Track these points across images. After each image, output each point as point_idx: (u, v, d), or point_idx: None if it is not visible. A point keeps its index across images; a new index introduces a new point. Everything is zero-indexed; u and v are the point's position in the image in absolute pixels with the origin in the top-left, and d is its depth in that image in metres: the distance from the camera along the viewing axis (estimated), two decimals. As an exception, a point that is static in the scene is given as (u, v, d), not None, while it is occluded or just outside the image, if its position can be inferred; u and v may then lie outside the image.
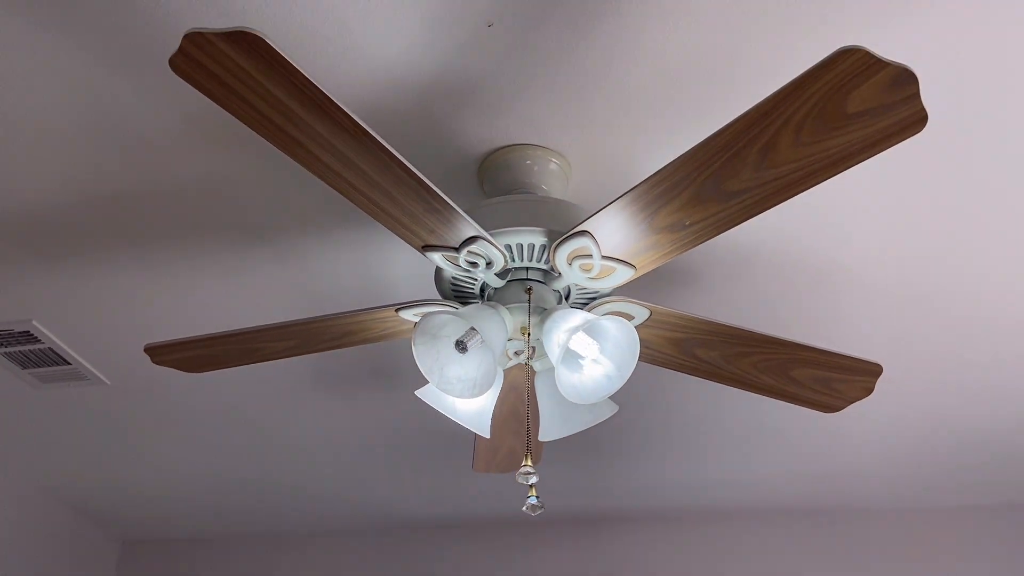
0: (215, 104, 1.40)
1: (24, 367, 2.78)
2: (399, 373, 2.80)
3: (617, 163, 2.00)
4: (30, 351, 2.69)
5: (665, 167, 1.44)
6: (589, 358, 1.67)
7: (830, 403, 2.04)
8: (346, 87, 1.82)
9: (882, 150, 1.36)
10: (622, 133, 1.93)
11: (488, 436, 1.81)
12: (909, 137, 1.33)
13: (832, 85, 1.27)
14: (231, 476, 3.51)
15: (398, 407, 2.99)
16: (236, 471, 3.47)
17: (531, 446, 2.31)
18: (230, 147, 1.99)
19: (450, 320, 1.63)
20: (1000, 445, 3.06)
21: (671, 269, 2.31)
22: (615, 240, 1.61)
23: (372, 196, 1.54)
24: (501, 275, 1.75)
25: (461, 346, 1.62)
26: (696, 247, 1.62)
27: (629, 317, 1.83)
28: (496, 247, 1.65)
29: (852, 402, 2.02)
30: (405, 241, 1.66)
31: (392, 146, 1.94)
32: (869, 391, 1.99)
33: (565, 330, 1.59)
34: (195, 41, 1.25)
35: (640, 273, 1.68)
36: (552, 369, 1.75)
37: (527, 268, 1.78)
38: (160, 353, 1.97)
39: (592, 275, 1.70)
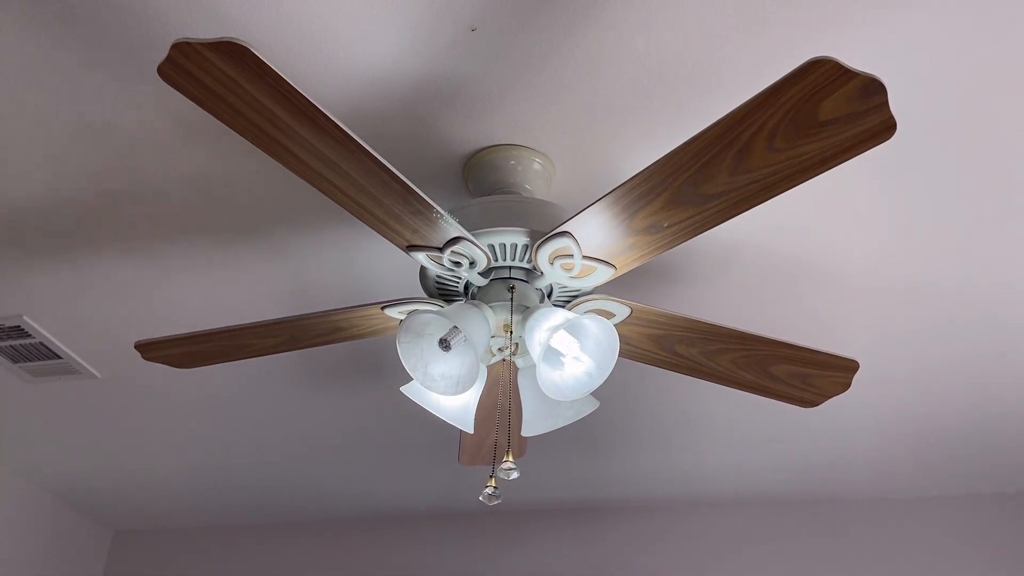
0: (203, 109, 1.43)
1: (15, 361, 2.80)
2: (388, 367, 2.83)
3: (600, 163, 2.04)
4: (21, 345, 2.72)
5: (643, 171, 1.48)
6: (570, 356, 1.71)
7: (808, 398, 2.08)
8: (332, 89, 1.85)
9: (854, 156, 1.39)
10: (605, 134, 1.96)
11: (472, 432, 1.85)
12: (880, 144, 1.37)
13: (803, 94, 1.31)
14: (221, 467, 3.55)
15: (388, 400, 3.02)
16: (225, 463, 3.50)
17: (512, 442, 2.36)
18: (219, 147, 2.02)
19: (434, 319, 1.67)
20: (983, 435, 3.10)
21: (655, 266, 2.35)
22: (595, 241, 1.64)
23: (357, 198, 1.57)
24: (484, 274, 1.78)
25: (444, 344, 1.66)
26: (678, 246, 1.66)
27: (610, 315, 1.86)
28: (479, 247, 1.69)
29: (829, 397, 2.06)
30: (390, 241, 1.69)
31: (378, 146, 1.99)
32: (846, 387, 2.03)
33: (546, 328, 1.63)
34: (182, 50, 1.27)
35: (620, 273, 1.72)
36: (535, 366, 1.79)
37: (510, 267, 1.81)
38: (150, 350, 2.00)
39: (573, 274, 1.73)
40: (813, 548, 3.52)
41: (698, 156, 1.44)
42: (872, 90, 1.28)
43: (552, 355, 1.72)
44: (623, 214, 1.57)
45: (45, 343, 2.70)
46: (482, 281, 1.80)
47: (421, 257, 1.72)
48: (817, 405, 2.10)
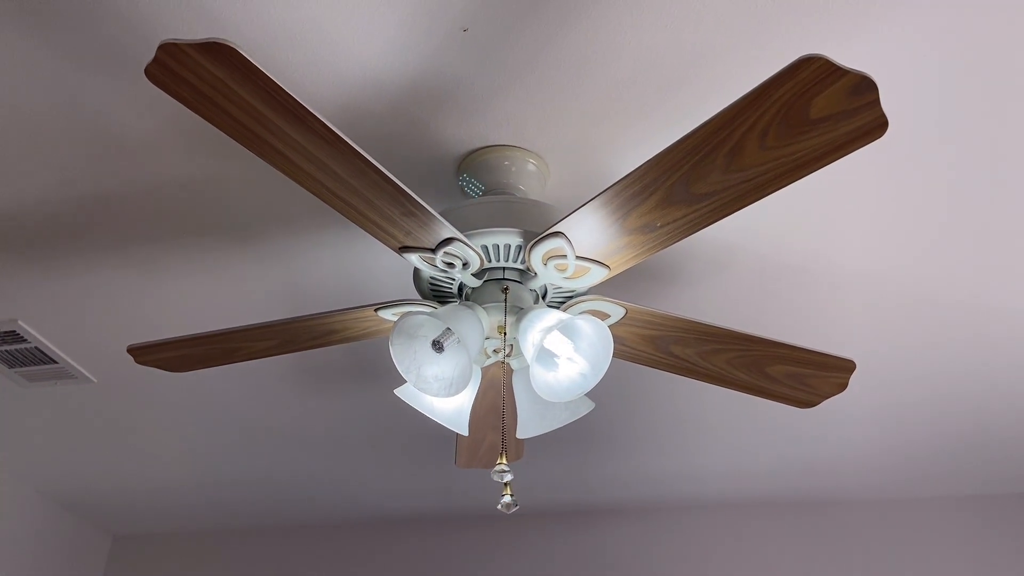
0: (192, 111, 1.43)
1: (11, 366, 2.80)
2: (385, 369, 2.83)
3: (596, 163, 2.03)
4: (16, 351, 2.71)
5: (635, 170, 1.47)
6: (564, 357, 1.70)
7: (804, 399, 2.07)
8: (325, 89, 1.85)
9: (846, 154, 1.39)
10: (599, 133, 1.96)
11: (466, 434, 1.84)
12: (871, 141, 1.36)
13: (794, 91, 1.30)
14: (219, 471, 3.54)
15: (384, 402, 3.02)
16: (223, 466, 3.50)
17: (507, 443, 2.35)
18: (212, 149, 2.01)
19: (426, 320, 1.66)
20: (980, 436, 3.09)
21: (650, 266, 2.34)
22: (589, 241, 1.63)
23: (348, 200, 1.56)
24: (478, 275, 1.77)
25: (437, 346, 1.65)
26: (674, 245, 1.65)
27: (605, 315, 1.86)
28: (472, 248, 1.68)
29: (826, 398, 2.05)
30: (382, 243, 1.68)
31: (371, 147, 1.98)
32: (843, 387, 2.02)
33: (539, 329, 1.62)
34: (170, 52, 1.27)
35: (614, 273, 1.71)
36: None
37: (504, 268, 1.80)
38: (143, 353, 2.00)
39: (567, 275, 1.72)
40: (810, 550, 3.52)
41: (690, 155, 1.43)
42: (863, 88, 1.27)
43: (546, 356, 1.71)
44: (616, 214, 1.56)
45: (41, 348, 2.69)
46: (476, 282, 1.79)
47: (414, 259, 1.71)
48: (814, 406, 2.09)
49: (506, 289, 1.78)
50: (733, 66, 1.79)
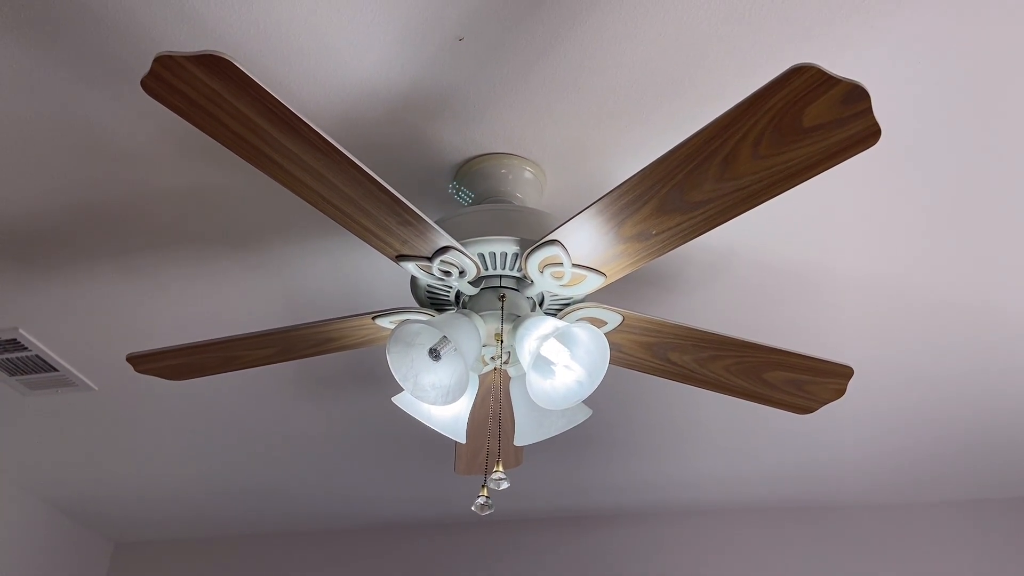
0: (189, 121, 1.43)
1: (12, 374, 2.81)
2: (385, 376, 2.83)
3: (592, 171, 2.04)
4: (17, 358, 2.72)
5: (629, 179, 1.47)
6: (560, 364, 1.71)
7: (803, 405, 2.07)
8: (322, 100, 1.86)
9: (839, 162, 1.39)
10: (595, 142, 1.96)
11: (464, 442, 1.84)
12: (864, 149, 1.36)
13: (787, 100, 1.30)
14: (220, 478, 3.55)
15: (384, 409, 3.02)
16: (224, 473, 3.50)
17: (503, 451, 2.35)
18: (211, 159, 2.02)
19: (423, 328, 1.67)
20: (978, 441, 3.09)
21: (647, 273, 2.34)
22: (585, 249, 1.64)
23: (345, 209, 1.57)
24: (475, 283, 1.78)
25: (434, 354, 1.66)
26: (671, 252, 1.65)
27: (602, 323, 1.86)
28: (468, 256, 1.68)
29: (824, 404, 2.06)
30: (379, 251, 1.69)
31: (368, 156, 1.99)
32: (841, 393, 2.03)
33: (536, 337, 1.62)
34: (165, 64, 1.28)
35: (610, 280, 1.72)
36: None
37: (500, 276, 1.81)
38: (142, 362, 2.00)
39: (564, 282, 1.73)
40: (808, 556, 3.51)
41: (684, 164, 1.44)
42: (855, 96, 1.28)
43: (542, 364, 1.72)
44: (611, 222, 1.57)
45: (41, 355, 2.70)
46: (473, 290, 1.79)
47: (411, 267, 1.72)
48: (812, 411, 2.09)
49: (503, 297, 1.78)
50: (727, 76, 1.79)
